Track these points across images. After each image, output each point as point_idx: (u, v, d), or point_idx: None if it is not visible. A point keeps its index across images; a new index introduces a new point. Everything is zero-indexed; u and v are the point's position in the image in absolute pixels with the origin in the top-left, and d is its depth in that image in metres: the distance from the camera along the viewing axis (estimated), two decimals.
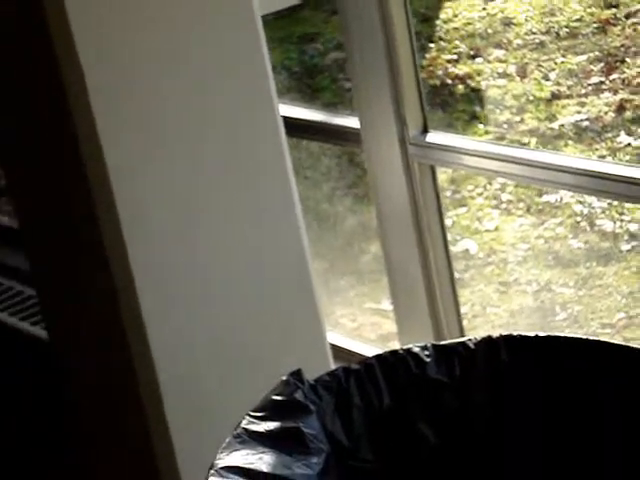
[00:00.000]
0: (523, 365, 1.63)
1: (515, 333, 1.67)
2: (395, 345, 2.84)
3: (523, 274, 3.22)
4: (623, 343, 1.61)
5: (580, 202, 3.45)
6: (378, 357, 1.67)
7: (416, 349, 1.66)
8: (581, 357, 1.61)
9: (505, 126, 3.99)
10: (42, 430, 2.40)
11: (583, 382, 1.59)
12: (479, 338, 1.66)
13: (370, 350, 2.56)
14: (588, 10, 4.47)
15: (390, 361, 1.66)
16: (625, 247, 3.23)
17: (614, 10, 4.46)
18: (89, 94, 1.74)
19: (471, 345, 1.66)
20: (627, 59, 4.19)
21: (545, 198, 3.55)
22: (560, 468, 1.57)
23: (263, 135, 1.92)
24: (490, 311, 3.11)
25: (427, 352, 1.66)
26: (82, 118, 1.76)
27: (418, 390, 1.64)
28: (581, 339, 1.63)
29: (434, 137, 2.10)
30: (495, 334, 1.67)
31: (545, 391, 1.61)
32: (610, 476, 1.50)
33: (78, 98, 1.75)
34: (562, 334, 1.65)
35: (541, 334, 1.65)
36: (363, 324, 3.14)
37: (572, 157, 2.32)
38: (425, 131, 2.10)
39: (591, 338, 1.63)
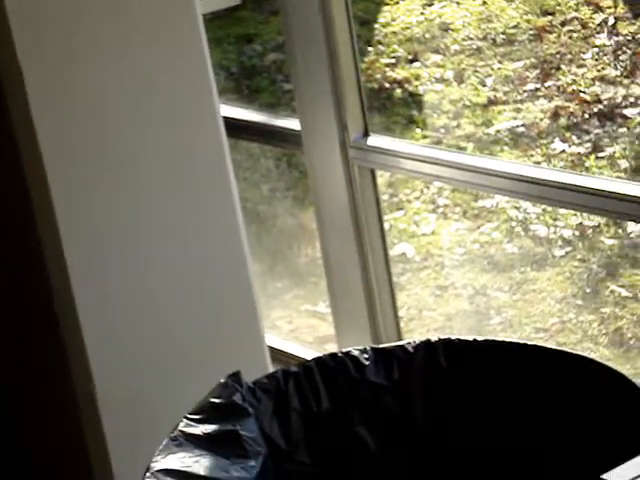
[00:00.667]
0: (461, 369, 1.64)
1: (453, 337, 1.67)
2: (332, 348, 2.84)
3: (459, 278, 3.25)
4: (559, 347, 1.63)
5: (515, 207, 3.48)
6: (317, 360, 1.67)
7: (355, 352, 1.66)
8: (518, 361, 1.62)
9: (442, 131, 4.02)
10: None
11: (520, 386, 1.60)
12: (418, 341, 1.67)
13: (307, 352, 2.56)
14: (524, 17, 4.52)
15: (329, 364, 1.66)
16: (559, 253, 3.27)
17: (550, 17, 4.51)
18: (28, 96, 1.72)
19: (410, 349, 1.66)
20: (562, 66, 4.25)
21: (481, 203, 3.58)
22: (500, 470, 1.59)
23: (204, 135, 1.91)
24: (426, 314, 3.13)
25: (366, 355, 1.66)
26: (21, 119, 1.73)
27: (357, 393, 1.64)
28: (518, 343, 1.65)
29: (375, 140, 2.11)
30: (434, 338, 1.68)
31: (483, 395, 1.62)
32: (550, 477, 1.52)
33: (16, 96, 1.73)
34: (500, 338, 1.67)
35: (479, 338, 1.66)
36: (300, 326, 3.14)
37: (508, 162, 2.34)
38: (366, 134, 2.11)
39: (528, 343, 1.64)
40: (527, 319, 3.04)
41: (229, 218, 1.95)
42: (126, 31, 1.83)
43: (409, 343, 1.67)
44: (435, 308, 3.13)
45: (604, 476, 1.11)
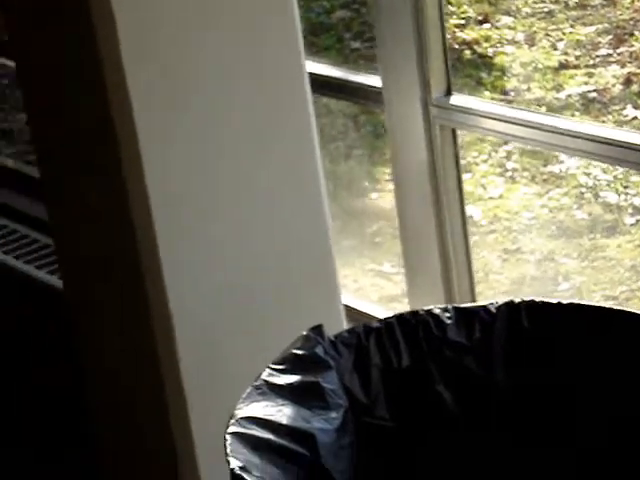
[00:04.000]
0: (544, 331, 1.63)
1: (537, 299, 1.66)
2: (398, 307, 2.85)
3: (526, 243, 3.22)
4: None
5: (586, 173, 3.45)
6: (399, 317, 1.67)
7: (437, 310, 1.66)
8: (602, 325, 1.61)
9: (512, 94, 3.98)
10: (53, 392, 2.39)
11: (605, 351, 1.59)
12: (501, 302, 1.66)
13: (375, 310, 2.56)
14: None
15: (410, 321, 1.66)
16: (629, 220, 3.23)
17: None
18: (122, 52, 1.72)
19: (492, 309, 1.66)
20: (636, 32, 4.18)
21: (550, 168, 3.54)
22: (575, 435, 1.58)
23: (290, 91, 1.91)
24: (493, 278, 3.11)
25: (448, 314, 1.65)
26: (112, 73, 1.74)
27: (438, 352, 1.64)
28: (603, 307, 1.63)
29: (458, 100, 2.09)
30: (517, 299, 1.67)
31: (565, 358, 1.61)
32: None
33: (108, 49, 1.73)
34: (584, 302, 1.65)
35: (563, 301, 1.65)
36: (365, 285, 3.14)
37: (596, 125, 2.31)
38: (448, 93, 2.09)
39: (613, 307, 1.63)
40: (596, 286, 3.01)
41: (312, 176, 1.95)
42: None
43: (492, 304, 1.66)
44: (502, 272, 3.11)
45: None
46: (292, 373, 1.55)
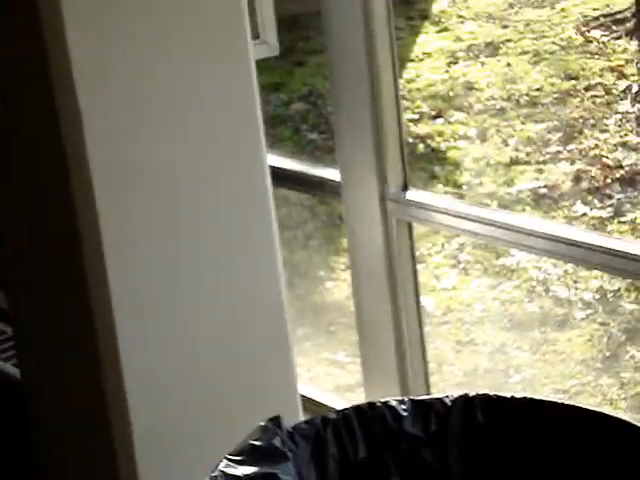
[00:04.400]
0: (498, 425, 1.66)
1: (491, 393, 1.69)
2: (352, 396, 2.85)
3: (479, 334, 3.26)
4: (596, 409, 1.64)
5: (536, 267, 3.51)
6: (355, 408, 1.68)
7: (393, 402, 1.67)
8: (554, 420, 1.64)
9: (465, 188, 4.06)
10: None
11: (557, 445, 1.61)
12: (456, 395, 1.68)
13: (329, 399, 2.56)
14: (548, 80, 4.58)
15: (367, 413, 1.67)
16: (579, 315, 3.29)
17: (574, 82, 4.57)
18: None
19: (448, 402, 1.68)
20: (585, 130, 4.30)
21: (502, 261, 3.60)
22: None
23: (251, 184, 1.94)
24: (446, 369, 3.14)
25: (404, 406, 1.67)
26: (69, 120, 1.75)
27: (394, 443, 1.65)
28: (556, 402, 1.66)
29: (414, 195, 2.13)
30: (471, 392, 1.69)
31: (519, 452, 1.64)
32: None
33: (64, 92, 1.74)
34: (537, 396, 1.68)
35: (517, 395, 1.68)
36: (318, 374, 3.15)
37: (554, 223, 2.36)
38: (405, 188, 2.14)
39: (566, 402, 1.65)
40: (546, 379, 3.05)
41: (270, 268, 1.98)
42: (186, 76, 1.87)
43: (447, 396, 1.68)
44: (455, 363, 3.15)
45: None
46: (249, 464, 1.56)
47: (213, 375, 1.97)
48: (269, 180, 1.99)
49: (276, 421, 1.62)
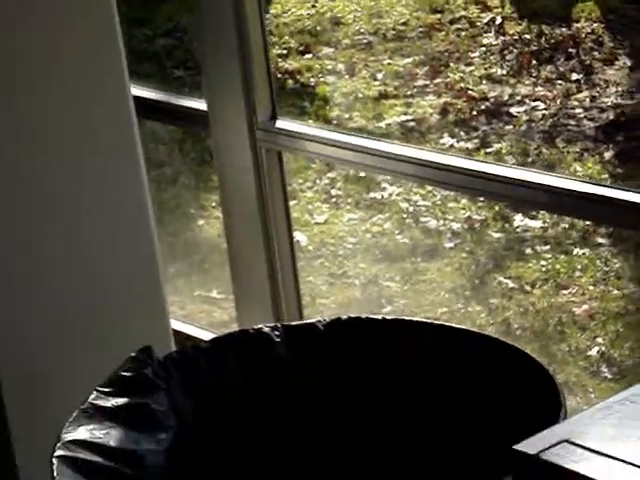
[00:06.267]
0: (370, 346, 1.67)
1: (363, 315, 1.71)
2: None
3: (351, 267, 3.29)
4: (466, 327, 1.67)
5: (406, 200, 3.54)
6: (228, 336, 1.68)
7: (266, 329, 1.67)
8: (426, 340, 1.66)
9: (335, 123, 4.06)
10: None
11: (429, 364, 1.64)
12: (328, 319, 1.69)
13: (204, 336, 2.55)
14: (414, 14, 4.60)
15: (240, 340, 1.67)
16: (448, 245, 3.34)
17: (439, 15, 4.60)
18: None
19: (320, 326, 1.68)
20: (451, 64, 4.33)
21: (372, 194, 3.63)
22: (406, 448, 1.62)
23: (115, 114, 1.90)
24: (319, 302, 3.16)
25: (277, 332, 1.67)
26: None
27: (268, 369, 1.65)
28: (425, 322, 1.68)
29: (283, 124, 2.12)
30: (344, 316, 1.71)
31: (391, 372, 1.66)
32: (459, 454, 1.56)
33: None
34: (407, 317, 1.70)
35: (388, 317, 1.70)
36: (192, 312, 3.13)
37: (423, 150, 2.38)
38: (274, 117, 2.12)
39: (435, 322, 1.68)
40: (418, 308, 3.09)
41: (138, 203, 1.94)
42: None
43: (319, 321, 1.69)
44: (328, 296, 3.17)
45: (516, 447, 1.15)
46: (120, 395, 1.54)
47: (86, 311, 1.94)
48: (134, 114, 1.95)
49: (147, 352, 1.60)
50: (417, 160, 2.03)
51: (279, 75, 4.25)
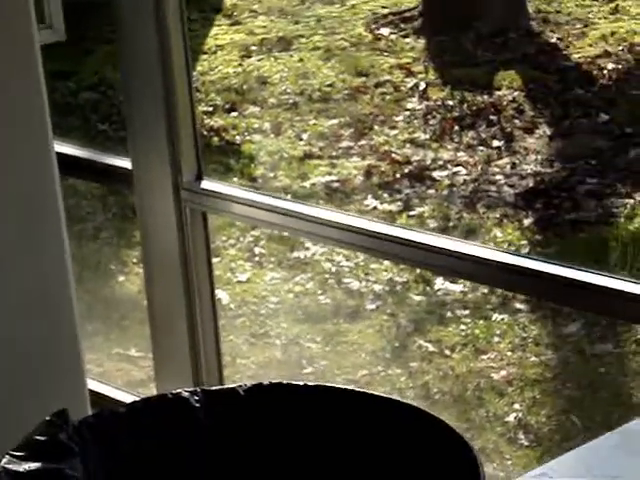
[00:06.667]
0: (291, 413, 1.66)
1: (285, 381, 1.69)
2: (145, 392, 2.81)
3: (273, 327, 3.27)
4: (387, 395, 1.66)
5: (329, 260, 3.56)
6: (145, 400, 1.64)
7: (185, 394, 1.65)
8: (347, 407, 1.65)
9: (260, 181, 4.07)
10: None
11: (350, 432, 1.62)
12: (249, 385, 1.67)
13: (121, 395, 2.51)
14: (340, 76, 4.66)
15: (158, 405, 1.64)
16: (370, 306, 3.35)
17: (364, 79, 4.67)
18: None
19: (241, 391, 1.66)
20: (375, 127, 4.39)
21: (296, 254, 3.63)
22: None
23: (38, 169, 1.88)
24: (239, 362, 3.13)
25: (197, 397, 1.65)
26: None
27: (186, 436, 1.63)
28: (346, 389, 1.67)
29: (208, 184, 2.11)
30: (265, 382, 1.69)
31: (309, 439, 1.64)
32: None
33: None
34: (330, 384, 1.69)
35: (310, 383, 1.68)
36: (109, 370, 3.09)
37: (346, 214, 2.39)
38: (199, 178, 2.11)
39: (357, 389, 1.67)
40: (338, 370, 3.09)
41: (58, 261, 1.92)
42: None
43: (240, 386, 1.67)
44: (249, 356, 3.15)
45: None
46: (33, 460, 1.49)
47: None
48: (56, 170, 1.92)
49: (62, 415, 1.56)
50: (340, 225, 2.04)
51: (205, 132, 4.25)
